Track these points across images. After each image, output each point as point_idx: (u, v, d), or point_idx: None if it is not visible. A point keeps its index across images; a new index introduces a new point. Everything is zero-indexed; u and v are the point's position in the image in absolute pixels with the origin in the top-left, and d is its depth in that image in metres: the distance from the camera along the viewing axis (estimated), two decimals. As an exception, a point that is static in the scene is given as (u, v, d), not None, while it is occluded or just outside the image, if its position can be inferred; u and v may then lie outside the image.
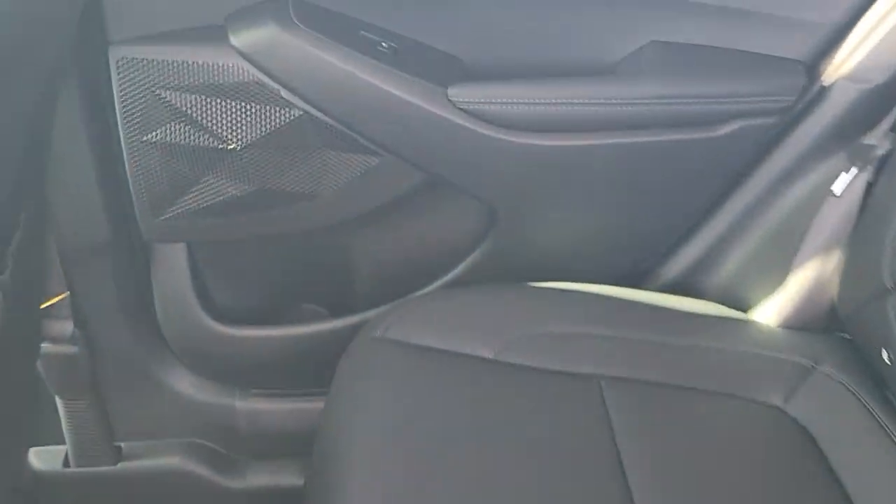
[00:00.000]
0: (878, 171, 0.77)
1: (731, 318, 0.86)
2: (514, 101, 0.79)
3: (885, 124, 0.78)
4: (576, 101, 0.79)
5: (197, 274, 0.93)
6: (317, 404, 1.02)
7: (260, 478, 1.03)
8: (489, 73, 0.85)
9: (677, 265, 0.93)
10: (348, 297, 1.00)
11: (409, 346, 0.75)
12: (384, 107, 0.78)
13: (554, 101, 0.79)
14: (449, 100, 0.79)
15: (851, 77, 0.79)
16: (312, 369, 0.98)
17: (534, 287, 0.85)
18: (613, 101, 0.79)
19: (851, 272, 0.79)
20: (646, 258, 0.92)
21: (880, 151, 0.76)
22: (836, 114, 0.80)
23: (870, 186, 0.78)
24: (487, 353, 0.76)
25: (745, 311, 0.89)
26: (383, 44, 0.80)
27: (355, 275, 0.99)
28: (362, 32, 0.80)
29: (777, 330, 0.85)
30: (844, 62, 0.80)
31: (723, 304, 0.89)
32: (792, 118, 0.82)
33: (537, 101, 0.79)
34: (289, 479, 1.01)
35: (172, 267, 0.92)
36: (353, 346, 0.77)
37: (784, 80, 0.80)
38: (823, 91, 0.81)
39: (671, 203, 0.88)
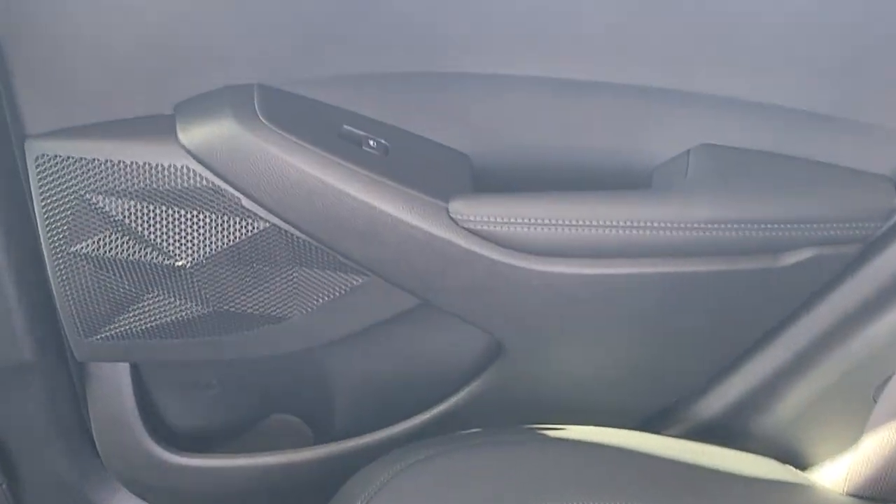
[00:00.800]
0: None
1: (790, 483, 0.70)
2: (530, 220, 0.63)
3: None
4: (606, 223, 0.63)
5: (141, 391, 0.78)
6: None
7: None
8: (503, 173, 0.70)
9: (717, 404, 0.77)
10: (326, 408, 0.85)
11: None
12: (370, 224, 0.63)
13: (578, 222, 0.63)
14: (450, 217, 0.63)
15: (953, 201, 0.63)
16: (283, 500, 0.83)
17: (544, 437, 0.70)
18: (652, 225, 0.63)
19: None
20: (681, 396, 0.77)
21: None
22: (931, 247, 0.64)
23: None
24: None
25: (801, 468, 0.73)
26: (371, 142, 0.65)
27: (333, 388, 0.83)
28: (346, 126, 0.65)
29: (846, 500, 0.69)
30: (946, 183, 0.64)
31: (773, 456, 0.73)
32: (875, 244, 0.66)
33: (558, 221, 0.63)
34: None
35: (111, 384, 0.76)
36: None
37: (869, 202, 0.64)
38: (917, 216, 0.65)
39: (717, 338, 0.72)
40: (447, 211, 0.63)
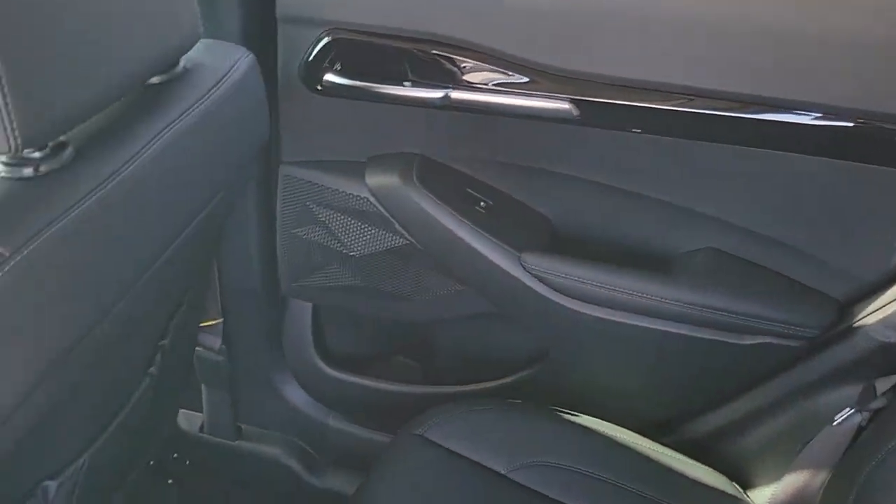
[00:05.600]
0: (870, 420, 0.86)
1: (719, 492, 0.98)
2: (578, 278, 0.95)
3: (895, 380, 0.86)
4: (630, 291, 0.94)
5: (317, 324, 1.19)
6: (384, 438, 1.26)
7: (334, 482, 1.29)
8: (572, 235, 1.02)
9: (700, 428, 1.06)
10: (432, 360, 1.22)
11: (438, 448, 0.96)
12: (470, 258, 0.98)
13: (611, 286, 0.94)
14: (521, 264, 0.97)
15: (878, 328, 0.88)
16: (386, 414, 1.22)
17: (562, 417, 1.03)
18: (661, 298, 0.93)
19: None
20: (670, 416, 1.06)
21: (875, 405, 0.85)
22: (855, 356, 0.89)
23: (861, 430, 0.87)
24: (501, 469, 0.95)
25: (744, 487, 1.01)
26: (482, 203, 0.99)
27: (438, 348, 1.20)
28: (468, 189, 1.00)
29: (762, 516, 0.97)
30: (876, 312, 0.88)
31: (732, 473, 1.01)
32: (815, 346, 0.92)
33: (597, 283, 0.95)
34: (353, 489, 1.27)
35: (300, 316, 1.18)
36: (398, 437, 0.99)
37: (814, 314, 0.90)
38: (850, 331, 0.90)
39: (697, 383, 1.01)
40: (520, 259, 0.97)
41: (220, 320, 1.17)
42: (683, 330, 0.95)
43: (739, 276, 0.94)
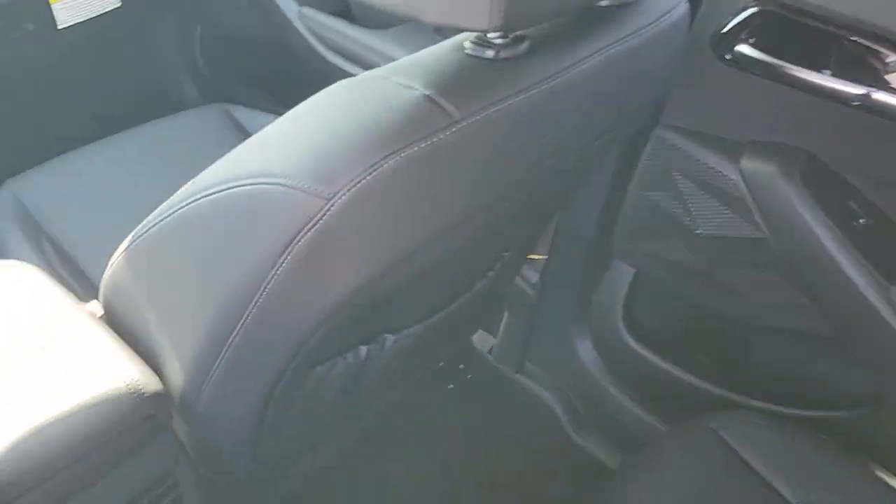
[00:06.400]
0: None
1: None
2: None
3: None
4: None
5: (632, 290, 1.19)
6: (659, 424, 1.23)
7: (596, 447, 1.30)
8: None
9: None
10: (737, 365, 1.16)
11: (729, 450, 0.91)
12: (830, 274, 0.89)
13: None
14: (890, 297, 0.87)
15: None
16: (669, 402, 1.19)
17: (875, 473, 0.92)
18: None
19: None
20: None
21: None
22: None
23: None
24: (789, 496, 0.89)
25: None
26: (862, 220, 0.91)
27: (748, 355, 1.14)
28: (850, 203, 0.91)
29: None
30: None
31: None
32: None
33: None
34: (612, 462, 1.27)
35: (619, 278, 1.18)
36: (690, 424, 0.96)
37: None
38: None
39: None
40: (889, 291, 0.87)
41: (545, 257, 1.21)
42: None
43: None
